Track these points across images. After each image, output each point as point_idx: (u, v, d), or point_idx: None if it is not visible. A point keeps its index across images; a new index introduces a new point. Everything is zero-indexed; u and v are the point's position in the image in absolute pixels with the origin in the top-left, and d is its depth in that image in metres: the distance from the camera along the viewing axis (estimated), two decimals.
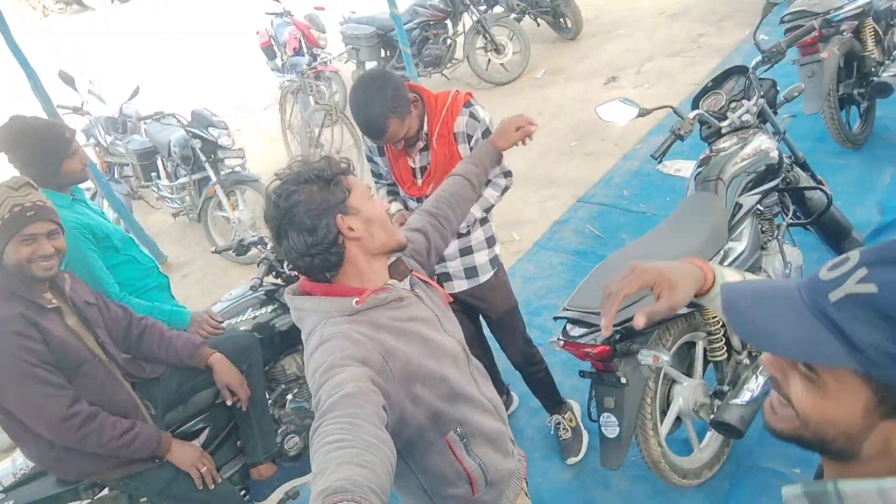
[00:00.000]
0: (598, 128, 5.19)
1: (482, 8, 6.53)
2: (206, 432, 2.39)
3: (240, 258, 4.41)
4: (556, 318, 2.26)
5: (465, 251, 2.40)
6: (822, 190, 2.75)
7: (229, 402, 2.31)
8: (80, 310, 2.08)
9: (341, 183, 1.35)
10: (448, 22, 6.72)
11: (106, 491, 2.30)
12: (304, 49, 6.75)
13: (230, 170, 4.94)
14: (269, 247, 2.63)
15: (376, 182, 2.58)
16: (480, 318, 2.68)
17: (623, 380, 2.15)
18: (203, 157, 4.77)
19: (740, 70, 2.88)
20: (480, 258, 2.41)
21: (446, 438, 1.41)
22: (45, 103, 4.50)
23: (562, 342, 2.20)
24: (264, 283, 2.55)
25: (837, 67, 3.53)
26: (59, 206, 2.35)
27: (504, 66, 6.65)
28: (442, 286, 2.46)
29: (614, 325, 2.02)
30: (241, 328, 2.53)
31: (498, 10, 6.96)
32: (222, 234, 5.01)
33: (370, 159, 2.48)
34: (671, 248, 2.26)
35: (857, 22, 3.49)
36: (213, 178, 4.79)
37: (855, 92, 3.76)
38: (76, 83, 5.72)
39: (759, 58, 2.76)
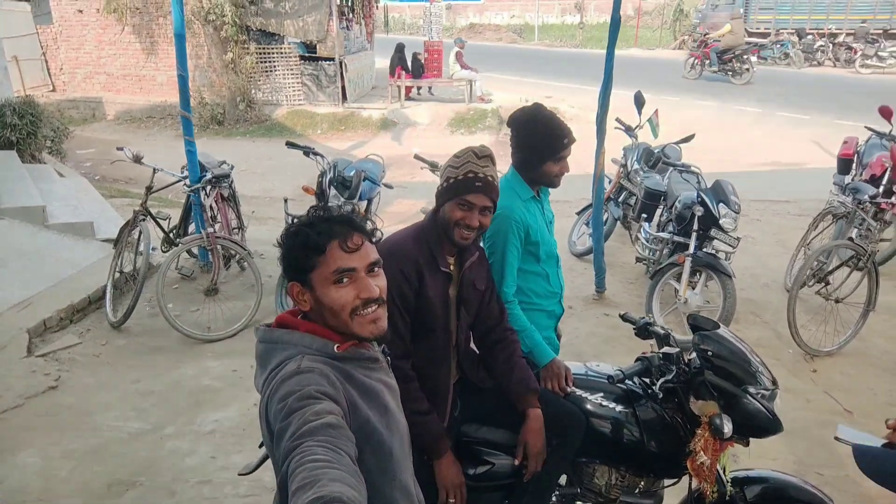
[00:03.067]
0: None
1: None
2: (480, 469, 2.22)
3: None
4: None
5: None
6: None
7: (517, 462, 2.09)
8: (466, 287, 2.10)
9: (317, 254, 1.35)
10: None
11: None
12: (886, 180, 5.67)
13: (714, 252, 4.52)
14: (659, 354, 2.22)
15: None
16: None
17: None
18: (696, 226, 4.48)
19: None
20: None
21: None
22: (602, 106, 4.80)
23: None
24: (627, 381, 2.19)
25: None
26: (518, 194, 2.42)
27: None
28: None
29: None
30: (582, 405, 2.23)
31: None
32: (662, 305, 4.68)
33: None
34: None
35: None
36: (691, 250, 4.46)
37: None
38: (643, 108, 6.03)
39: None
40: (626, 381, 2.26)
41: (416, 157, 4.71)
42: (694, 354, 2.18)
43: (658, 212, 5.39)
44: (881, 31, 20.65)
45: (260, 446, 2.18)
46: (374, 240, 1.45)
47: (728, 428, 1.98)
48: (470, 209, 1.98)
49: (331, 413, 1.19)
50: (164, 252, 5.49)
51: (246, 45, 13.33)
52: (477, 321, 2.20)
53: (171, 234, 5.46)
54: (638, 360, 2.25)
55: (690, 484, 2.20)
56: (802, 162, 9.70)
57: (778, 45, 20.79)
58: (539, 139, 2.42)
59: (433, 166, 4.66)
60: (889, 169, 5.79)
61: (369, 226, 1.46)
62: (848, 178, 6.81)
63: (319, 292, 1.37)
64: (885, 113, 5.85)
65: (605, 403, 2.23)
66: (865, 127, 6.24)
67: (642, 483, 2.28)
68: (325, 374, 1.29)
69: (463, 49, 14.42)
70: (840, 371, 4.21)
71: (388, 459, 1.39)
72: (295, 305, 1.47)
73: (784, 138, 10.99)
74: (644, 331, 2.41)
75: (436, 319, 2.04)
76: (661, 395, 2.16)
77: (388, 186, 5.53)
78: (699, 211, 4.44)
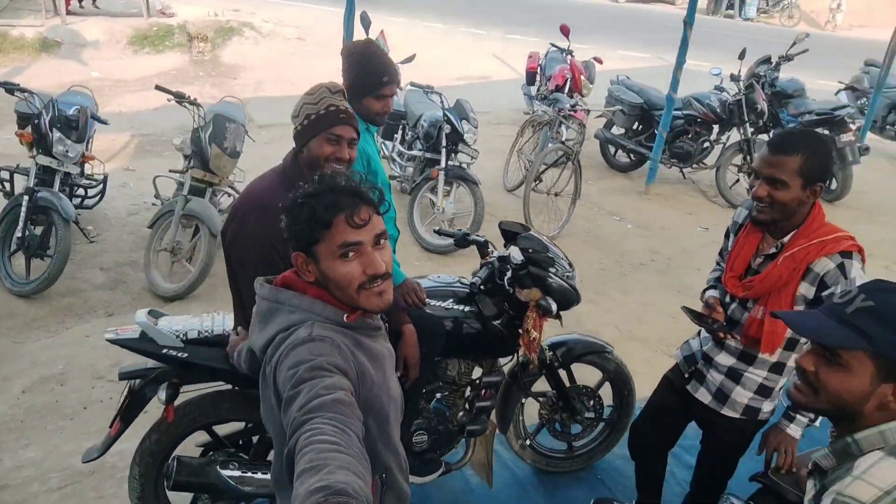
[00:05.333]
0: None
1: (752, 130, 6.26)
2: None
3: (455, 247, 4.46)
4: (752, 479, 2.06)
5: (733, 375, 2.19)
6: None
7: (398, 374, 2.31)
8: None
9: (323, 228, 1.32)
10: (715, 127, 6.51)
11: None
12: (567, 89, 6.87)
13: (459, 163, 5.09)
14: (495, 254, 2.62)
15: (717, 263, 2.42)
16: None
17: None
18: (444, 143, 4.97)
19: None
20: (740, 395, 2.19)
21: (373, 480, 1.38)
22: (348, 35, 4.88)
23: None
24: (476, 285, 2.55)
25: None
26: None
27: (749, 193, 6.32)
28: (690, 381, 2.30)
29: None
30: (437, 313, 2.54)
31: (765, 138, 6.66)
32: (422, 216, 5.16)
33: (726, 235, 2.34)
34: None
35: None
36: (443, 164, 4.96)
37: None
38: (370, 29, 6.21)
39: None
40: (477, 285, 2.60)
41: (158, 87, 4.25)
42: (511, 252, 2.62)
43: (400, 131, 5.77)
44: None
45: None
46: (382, 211, 1.42)
47: (554, 306, 2.48)
48: (338, 142, 2.03)
49: (341, 388, 1.19)
50: None
51: None
52: None
53: None
54: (482, 266, 2.61)
55: (519, 358, 2.70)
56: (489, 75, 10.96)
57: None
58: (359, 75, 2.52)
59: (179, 97, 4.29)
60: (569, 80, 7.02)
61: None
62: (534, 89, 8.03)
63: (324, 266, 1.34)
64: (565, 31, 6.97)
65: (454, 307, 2.57)
66: (551, 44, 7.33)
67: (485, 365, 2.72)
68: (336, 345, 1.29)
69: None
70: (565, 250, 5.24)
71: (385, 423, 1.42)
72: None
73: (470, 53, 12.19)
74: (463, 241, 2.77)
75: None
76: (511, 291, 2.53)
77: (103, 122, 4.89)
78: (447, 129, 4.93)
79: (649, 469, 2.66)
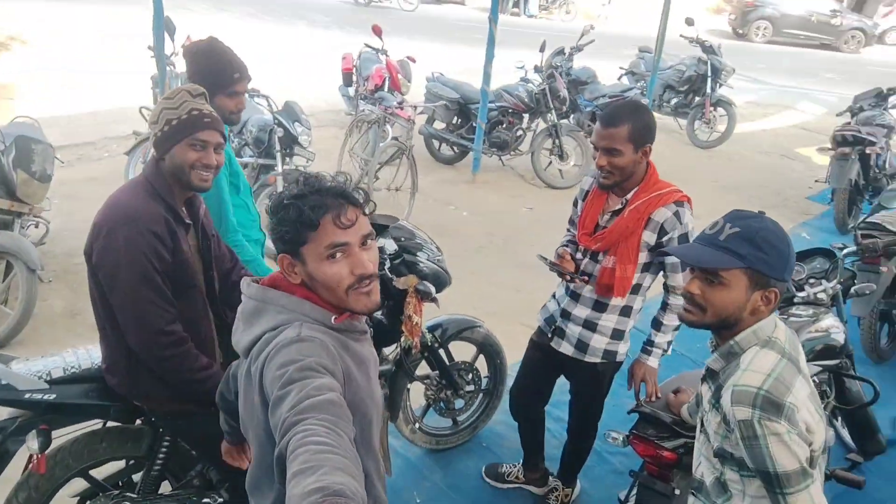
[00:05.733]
0: None
1: (557, 116, 6.89)
2: None
3: None
4: (630, 412, 2.34)
5: (589, 325, 2.46)
6: (871, 384, 2.91)
7: None
8: (207, 236, 2.10)
9: (309, 229, 1.30)
10: (525, 115, 7.06)
11: (139, 422, 2.24)
12: (386, 88, 7.03)
13: (296, 167, 5.03)
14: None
15: (567, 229, 2.65)
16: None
17: (676, 491, 2.19)
18: (278, 147, 4.87)
19: (826, 252, 3.10)
20: (598, 341, 2.46)
21: None
22: (158, 43, 4.60)
23: (630, 436, 2.26)
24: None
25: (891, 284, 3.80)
26: None
27: (562, 172, 6.96)
28: (552, 338, 2.52)
29: (687, 436, 2.12)
30: None
31: (570, 122, 7.38)
32: (264, 225, 5.02)
33: (574, 203, 2.58)
34: None
35: None
36: (279, 169, 4.87)
37: (893, 312, 4.03)
38: (175, 34, 5.86)
39: (852, 248, 2.99)
40: None
41: None
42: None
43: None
44: None
45: None
46: (367, 211, 1.39)
47: (433, 289, 2.60)
48: (204, 148, 1.96)
49: (331, 390, 1.18)
50: None
51: None
52: (216, 268, 2.22)
53: None
54: None
55: (401, 345, 2.79)
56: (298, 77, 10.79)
57: None
58: (207, 73, 2.44)
59: None
60: (387, 79, 7.18)
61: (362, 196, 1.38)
62: (351, 90, 8.09)
63: (312, 267, 1.33)
64: (377, 31, 7.10)
65: None
66: (364, 44, 7.43)
67: None
68: (325, 346, 1.28)
69: None
70: None
71: (368, 428, 1.41)
72: None
73: (280, 55, 11.89)
74: None
75: (194, 275, 2.02)
76: (389, 280, 2.58)
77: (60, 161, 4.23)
78: (279, 132, 4.84)
79: (531, 427, 2.89)
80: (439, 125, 7.37)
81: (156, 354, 1.92)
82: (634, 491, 2.35)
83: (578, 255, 2.46)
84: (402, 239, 2.65)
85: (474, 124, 6.87)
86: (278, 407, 1.16)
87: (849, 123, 6.41)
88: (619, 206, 2.33)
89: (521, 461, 3.00)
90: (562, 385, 2.79)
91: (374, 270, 1.37)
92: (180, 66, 6.00)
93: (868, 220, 3.84)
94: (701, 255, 1.53)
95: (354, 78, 7.94)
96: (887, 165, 6.15)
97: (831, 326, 2.83)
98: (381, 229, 2.70)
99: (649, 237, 2.28)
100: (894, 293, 3.96)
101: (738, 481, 1.56)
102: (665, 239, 2.26)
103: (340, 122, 8.46)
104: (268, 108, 4.95)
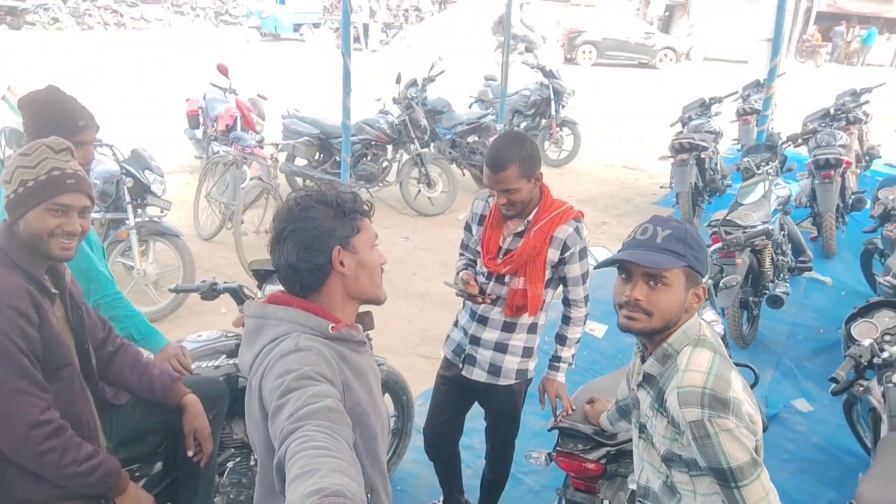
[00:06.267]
0: None
1: (420, 144, 6.95)
2: (142, 482, 2.06)
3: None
4: (550, 430, 2.33)
5: (500, 347, 2.42)
6: (751, 369, 3.12)
7: (191, 453, 2.03)
8: (77, 305, 1.82)
9: (355, 220, 1.41)
10: (389, 147, 7.06)
11: None
12: (239, 128, 6.72)
13: (150, 218, 4.61)
14: (266, 290, 2.47)
15: (460, 254, 2.62)
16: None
17: (606, 502, 2.20)
18: (128, 198, 4.44)
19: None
20: (510, 362, 2.43)
21: None
22: None
23: (555, 453, 2.25)
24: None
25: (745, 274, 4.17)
26: None
27: (431, 200, 7.00)
28: (463, 367, 2.46)
29: (609, 444, 2.14)
30: (209, 375, 2.29)
31: (432, 150, 7.48)
32: (121, 285, 4.53)
33: (467, 228, 2.54)
34: None
35: (766, 240, 4.19)
36: (132, 223, 4.44)
37: (750, 300, 4.43)
38: None
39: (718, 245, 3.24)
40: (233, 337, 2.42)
41: None
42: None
43: None
44: None
45: None
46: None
47: None
48: (66, 213, 1.71)
49: (329, 396, 1.19)
50: None
51: None
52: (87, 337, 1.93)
53: None
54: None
55: None
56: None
57: (44, 10, 19.83)
58: (48, 124, 2.16)
59: None
60: (239, 118, 6.89)
61: None
62: (198, 132, 7.68)
63: (363, 254, 1.42)
64: (223, 70, 6.80)
65: (226, 363, 2.36)
66: (210, 84, 7.07)
67: None
68: (322, 355, 1.29)
69: None
70: None
71: (373, 442, 1.40)
72: None
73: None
74: (211, 292, 2.55)
75: (66, 351, 1.74)
76: None
77: None
78: (129, 182, 4.42)
79: (449, 463, 2.80)
80: (301, 162, 7.16)
81: (31, 450, 1.61)
82: None
83: (481, 279, 2.43)
84: None
85: (338, 158, 6.74)
86: (277, 416, 1.17)
87: (681, 132, 7.05)
88: (522, 228, 2.34)
89: (441, 499, 2.89)
90: (470, 413, 2.74)
91: None
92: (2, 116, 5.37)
93: (726, 217, 4.19)
94: (650, 258, 1.52)
95: (201, 120, 7.55)
96: (719, 167, 6.82)
97: (713, 320, 3.01)
98: (268, 275, 2.52)
99: (553, 254, 2.32)
100: (748, 283, 4.35)
101: (688, 482, 1.57)
102: (567, 254, 2.31)
103: (190, 167, 7.99)
104: (113, 157, 4.50)
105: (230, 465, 2.37)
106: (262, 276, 2.58)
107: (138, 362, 2.02)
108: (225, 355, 2.35)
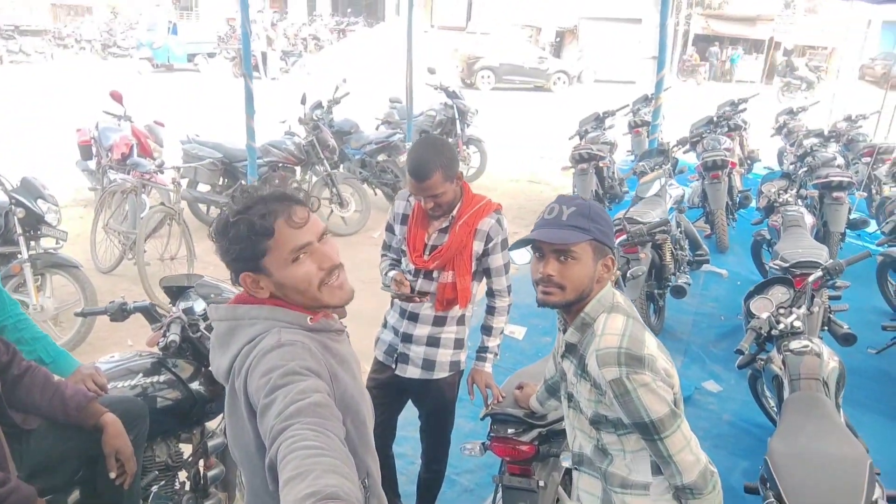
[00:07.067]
0: None
1: (329, 164, 6.92)
2: None
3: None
4: (482, 418, 2.36)
5: (432, 342, 2.45)
6: None
7: (114, 475, 1.92)
8: None
9: (259, 243, 1.28)
10: (297, 168, 6.97)
11: None
12: (136, 155, 6.44)
13: (44, 250, 4.33)
14: (178, 310, 2.37)
15: (382, 255, 2.65)
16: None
17: (541, 483, 2.25)
18: (20, 230, 4.16)
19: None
20: (444, 356, 2.47)
21: None
22: None
23: (489, 441, 2.28)
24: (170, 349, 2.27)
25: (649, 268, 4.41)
26: None
27: (344, 219, 6.96)
28: (396, 366, 2.46)
29: (540, 425, 2.21)
30: (127, 395, 2.18)
31: (342, 171, 7.45)
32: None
33: (389, 229, 2.56)
34: None
35: (666, 235, 4.46)
36: (25, 255, 4.15)
37: (655, 292, 4.68)
38: None
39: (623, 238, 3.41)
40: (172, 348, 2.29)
41: None
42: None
43: None
44: None
45: None
46: (313, 208, 1.37)
47: None
48: None
49: (317, 391, 1.17)
50: None
51: None
52: None
53: None
54: (165, 327, 2.31)
55: None
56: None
57: None
58: None
59: None
60: (135, 146, 6.61)
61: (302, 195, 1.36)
62: (92, 163, 7.27)
63: (279, 275, 1.31)
64: (117, 97, 6.52)
65: (142, 381, 2.24)
66: (104, 111, 6.75)
67: (196, 434, 2.44)
68: (307, 348, 1.27)
69: None
70: None
71: (363, 427, 1.40)
72: None
73: None
74: (121, 313, 2.44)
75: None
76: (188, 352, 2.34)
77: None
78: (20, 213, 4.14)
79: (383, 467, 2.77)
80: (204, 188, 6.94)
81: None
82: (500, 495, 2.36)
83: (409, 276, 2.46)
84: (212, 296, 2.41)
85: (243, 182, 6.58)
86: (265, 415, 1.15)
87: (580, 144, 7.41)
88: (447, 224, 2.40)
89: None
90: (401, 421, 2.75)
91: (340, 260, 1.38)
92: None
93: (626, 215, 4.43)
94: (556, 234, 1.61)
95: (95, 150, 7.17)
96: (616, 175, 7.21)
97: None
98: (181, 291, 2.45)
99: (478, 246, 2.40)
100: (652, 277, 4.61)
101: (617, 441, 1.65)
102: (490, 245, 2.39)
103: (84, 200, 7.56)
104: (0, 188, 4.21)
105: (154, 488, 2.24)
106: (174, 293, 2.49)
107: (48, 384, 1.90)
108: (141, 374, 2.24)
